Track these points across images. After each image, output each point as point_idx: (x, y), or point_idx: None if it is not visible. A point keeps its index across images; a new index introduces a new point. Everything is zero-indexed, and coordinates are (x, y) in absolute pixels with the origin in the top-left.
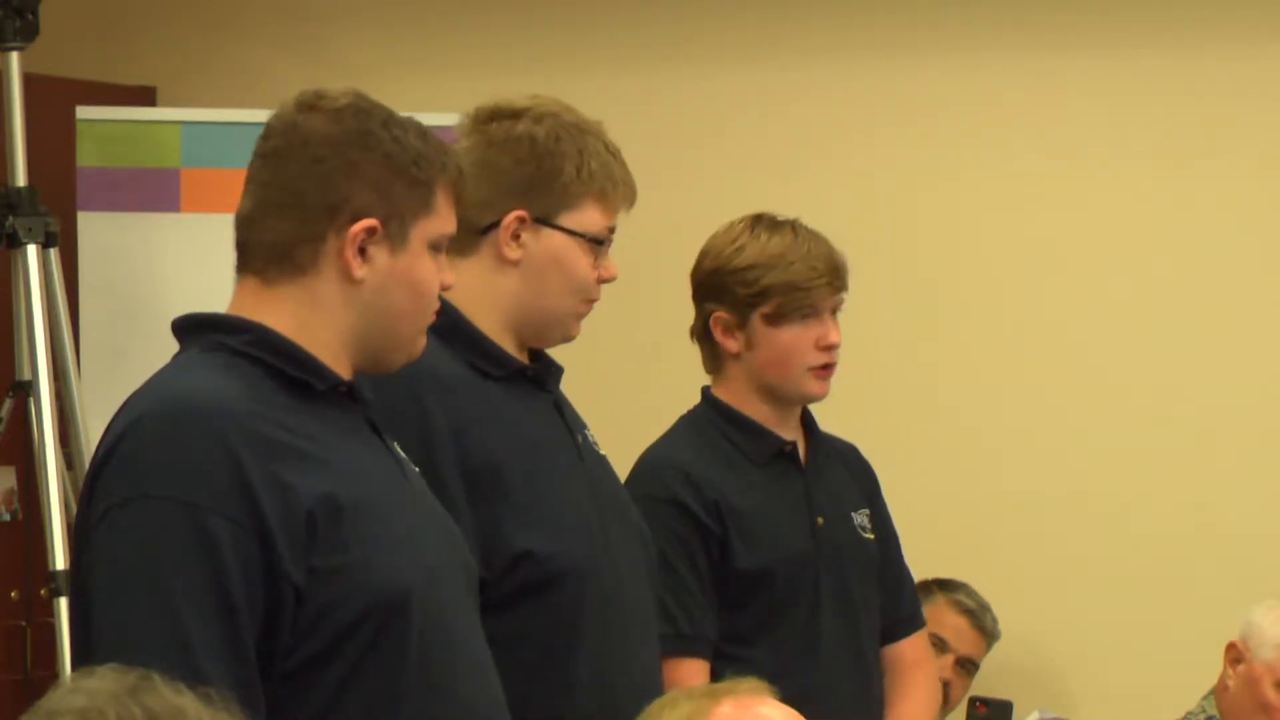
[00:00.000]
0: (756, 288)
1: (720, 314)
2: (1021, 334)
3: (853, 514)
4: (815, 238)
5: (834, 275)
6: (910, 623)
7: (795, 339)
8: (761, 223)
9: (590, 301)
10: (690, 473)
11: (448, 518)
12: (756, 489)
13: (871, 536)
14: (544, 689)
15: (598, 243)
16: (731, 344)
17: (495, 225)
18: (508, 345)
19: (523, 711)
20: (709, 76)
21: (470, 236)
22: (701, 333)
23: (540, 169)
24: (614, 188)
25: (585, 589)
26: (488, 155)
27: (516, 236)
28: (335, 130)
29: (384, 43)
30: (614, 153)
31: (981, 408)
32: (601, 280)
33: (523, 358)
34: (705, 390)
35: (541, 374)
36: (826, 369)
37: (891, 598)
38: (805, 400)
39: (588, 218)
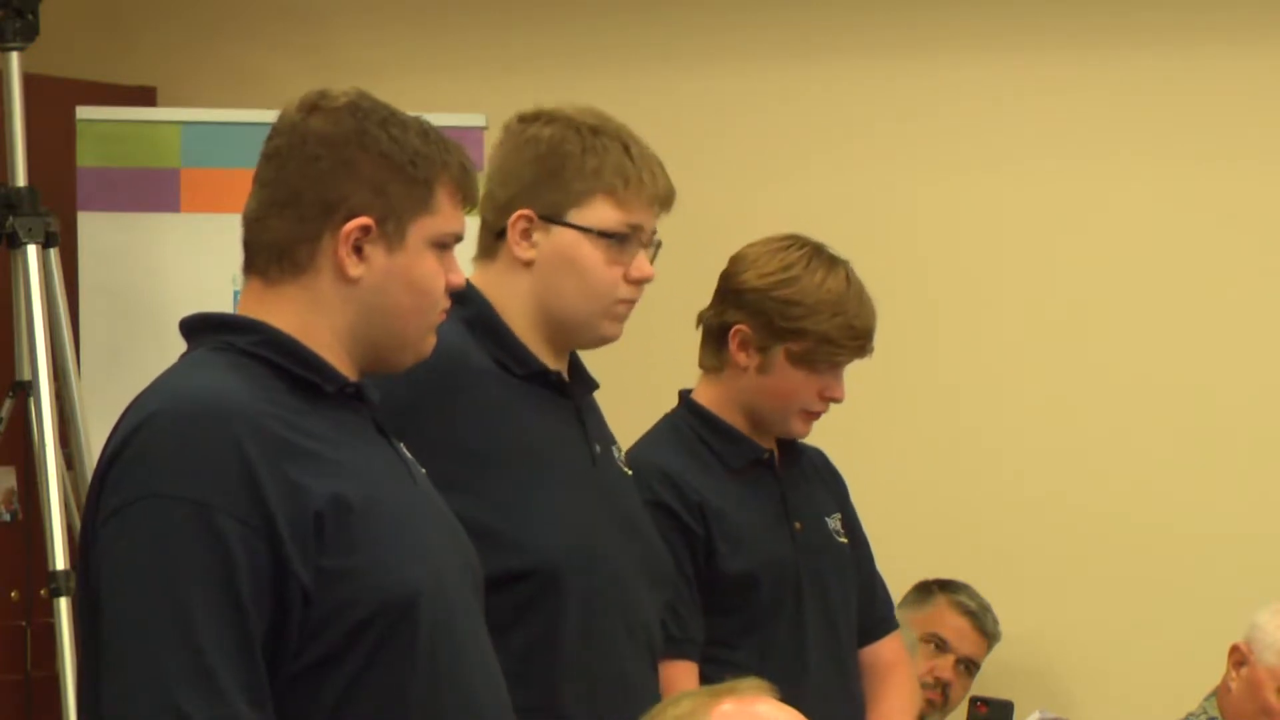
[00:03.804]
0: (795, 325)
1: (744, 329)
2: (1022, 334)
3: (826, 519)
4: (863, 294)
5: (866, 340)
6: (886, 624)
7: (805, 383)
8: (819, 258)
9: (624, 301)
10: (672, 475)
11: (454, 519)
12: (733, 494)
13: (845, 540)
14: (526, 683)
15: (610, 237)
16: (743, 359)
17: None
18: (538, 347)
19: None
20: (709, 76)
21: (492, 240)
22: (715, 331)
23: (545, 167)
24: (625, 184)
25: (560, 585)
26: (508, 159)
27: (528, 236)
28: (333, 129)
29: (384, 43)
30: (632, 151)
31: (983, 408)
32: (631, 279)
33: (559, 362)
34: (683, 394)
35: (563, 381)
36: (816, 414)
37: (866, 600)
38: (784, 435)
39: (599, 214)
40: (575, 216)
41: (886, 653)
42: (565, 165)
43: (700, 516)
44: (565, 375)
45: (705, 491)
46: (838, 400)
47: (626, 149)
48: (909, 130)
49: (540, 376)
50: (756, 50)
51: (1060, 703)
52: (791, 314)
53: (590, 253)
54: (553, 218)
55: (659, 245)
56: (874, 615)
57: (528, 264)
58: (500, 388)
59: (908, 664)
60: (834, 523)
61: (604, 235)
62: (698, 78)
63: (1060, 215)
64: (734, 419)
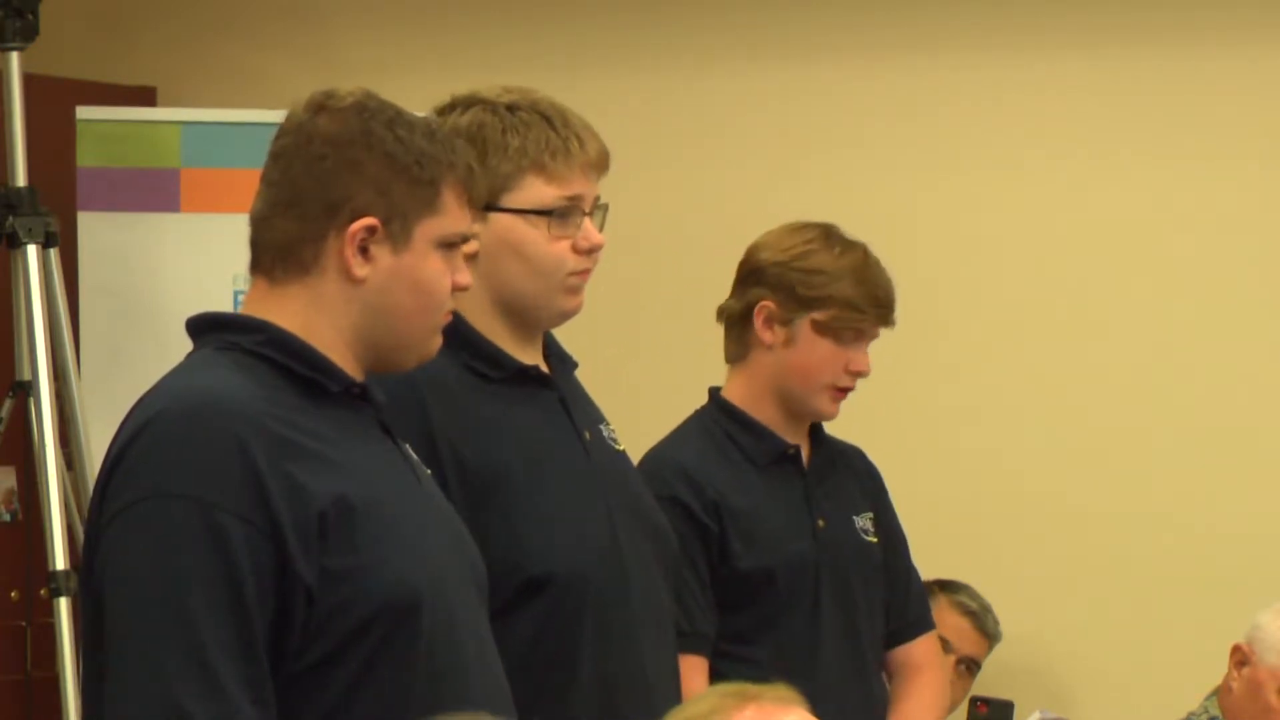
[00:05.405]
0: (819, 292)
1: (769, 304)
2: (1022, 334)
3: (855, 517)
4: (881, 267)
5: (888, 310)
6: (918, 624)
7: (831, 354)
8: (835, 236)
9: (576, 273)
10: (691, 471)
11: (457, 519)
12: (757, 490)
13: (874, 540)
14: (547, 693)
15: (548, 214)
16: (769, 336)
17: None
18: (510, 342)
19: (527, 715)
20: (709, 76)
21: None
22: (738, 317)
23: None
24: (553, 157)
25: (584, 592)
26: None
27: None
28: (338, 129)
29: (384, 42)
30: (555, 122)
31: (983, 408)
32: (580, 250)
33: (531, 346)
34: (713, 391)
35: (542, 373)
36: (843, 392)
37: (899, 600)
38: (813, 416)
39: (532, 193)
40: (508, 200)
41: (918, 654)
42: (488, 150)
43: (715, 514)
44: (543, 364)
45: (725, 488)
46: (864, 374)
47: (549, 120)
48: (909, 130)
49: (519, 375)
50: (756, 50)
51: (1060, 703)
52: (815, 282)
53: (531, 234)
54: (487, 205)
55: (605, 209)
56: (906, 616)
57: (472, 257)
58: (479, 398)
59: (938, 666)
60: (863, 521)
61: (541, 214)
62: (698, 78)
63: (1060, 215)
64: (764, 410)
